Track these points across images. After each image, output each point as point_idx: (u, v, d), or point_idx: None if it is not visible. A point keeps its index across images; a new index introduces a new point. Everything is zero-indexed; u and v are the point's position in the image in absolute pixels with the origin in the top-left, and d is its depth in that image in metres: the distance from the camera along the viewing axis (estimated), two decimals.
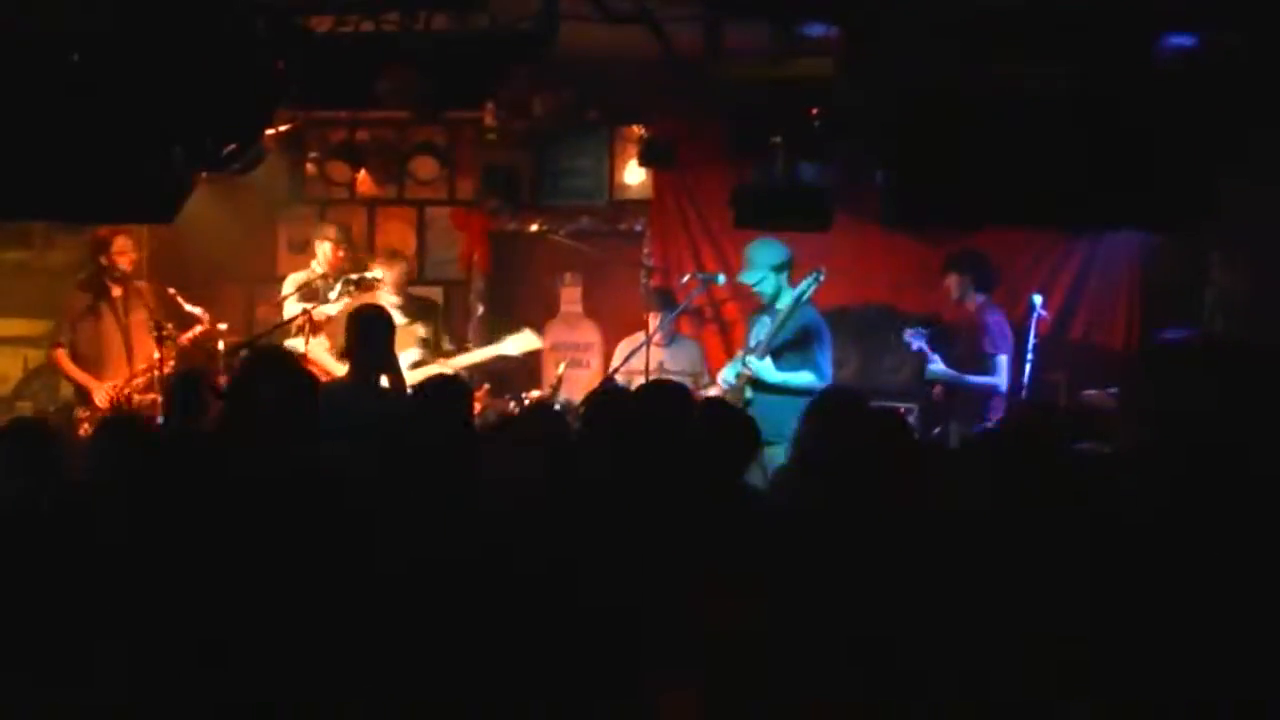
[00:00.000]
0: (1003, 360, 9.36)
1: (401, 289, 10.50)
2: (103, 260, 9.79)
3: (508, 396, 10.21)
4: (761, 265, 9.23)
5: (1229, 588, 4.08)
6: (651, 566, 4.28)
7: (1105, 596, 4.19)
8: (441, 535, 4.55)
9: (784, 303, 9.13)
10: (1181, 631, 4.00)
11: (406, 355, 9.71)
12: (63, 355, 9.83)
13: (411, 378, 9.06)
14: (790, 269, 9.25)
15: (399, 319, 9.60)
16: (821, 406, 6.05)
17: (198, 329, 9.89)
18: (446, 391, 6.44)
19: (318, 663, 4.02)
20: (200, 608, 4.17)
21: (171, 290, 10.07)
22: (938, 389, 9.64)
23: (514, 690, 3.87)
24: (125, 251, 9.82)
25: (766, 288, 9.23)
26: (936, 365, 9.50)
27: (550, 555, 4.30)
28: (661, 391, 6.58)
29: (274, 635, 4.12)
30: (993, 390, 9.37)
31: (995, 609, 4.26)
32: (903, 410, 9.07)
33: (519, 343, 10.22)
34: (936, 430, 9.73)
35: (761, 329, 9.23)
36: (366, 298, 9.94)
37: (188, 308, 9.96)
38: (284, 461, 5.10)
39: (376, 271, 10.44)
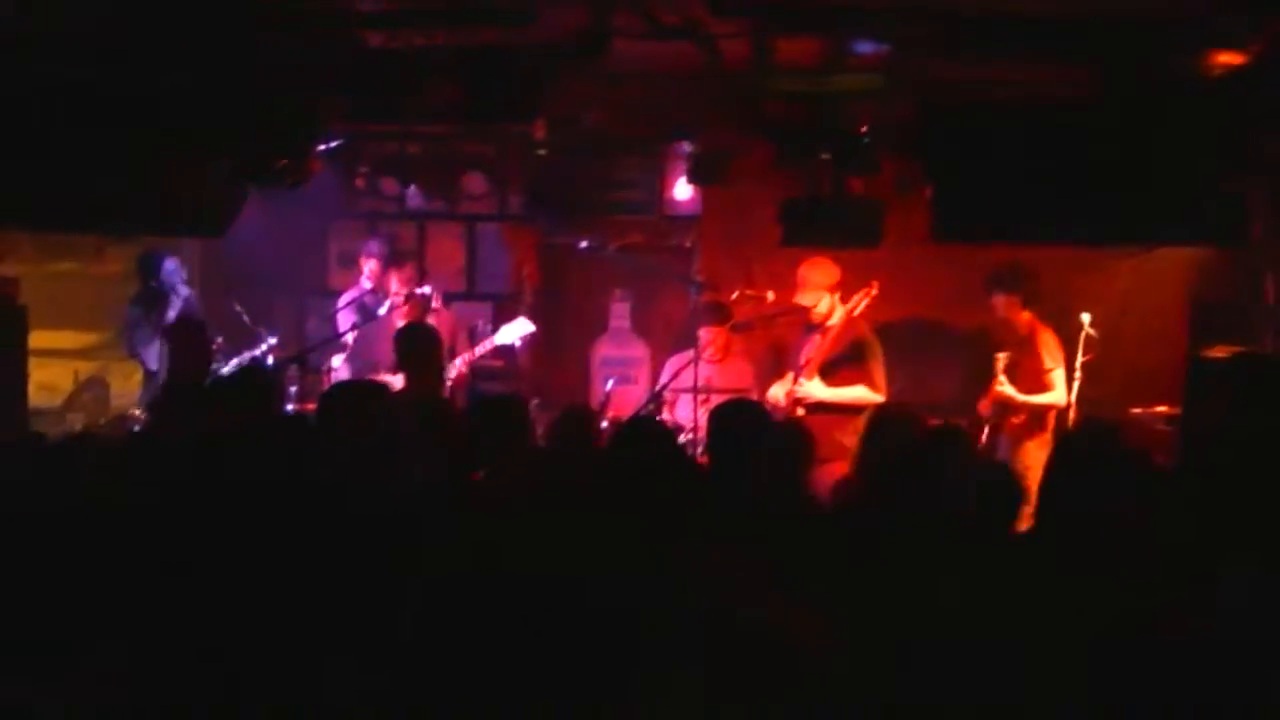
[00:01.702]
0: (1061, 375, 9.27)
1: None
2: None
3: (557, 411, 10.19)
4: (818, 285, 9.18)
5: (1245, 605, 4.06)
6: (671, 570, 4.28)
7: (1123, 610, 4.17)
8: (451, 543, 4.57)
9: (835, 320, 9.10)
10: (1188, 646, 3.97)
11: None
12: None
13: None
14: (844, 286, 9.21)
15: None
16: (879, 422, 6.09)
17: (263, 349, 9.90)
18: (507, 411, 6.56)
19: (321, 666, 4.04)
20: (203, 611, 4.20)
21: (238, 308, 10.12)
22: (984, 405, 9.50)
23: (517, 695, 3.88)
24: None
25: (823, 308, 9.19)
26: (1005, 387, 9.37)
27: (563, 558, 4.32)
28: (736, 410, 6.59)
29: (278, 638, 4.15)
30: (1053, 407, 9.29)
31: (1016, 628, 4.25)
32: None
33: (513, 330, 10.19)
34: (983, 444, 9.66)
35: (812, 348, 9.20)
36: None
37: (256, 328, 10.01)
38: (292, 466, 5.14)
39: (426, 287, 10.49)
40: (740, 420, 6.23)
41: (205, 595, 4.25)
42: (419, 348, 8.21)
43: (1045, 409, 9.29)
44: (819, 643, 3.45)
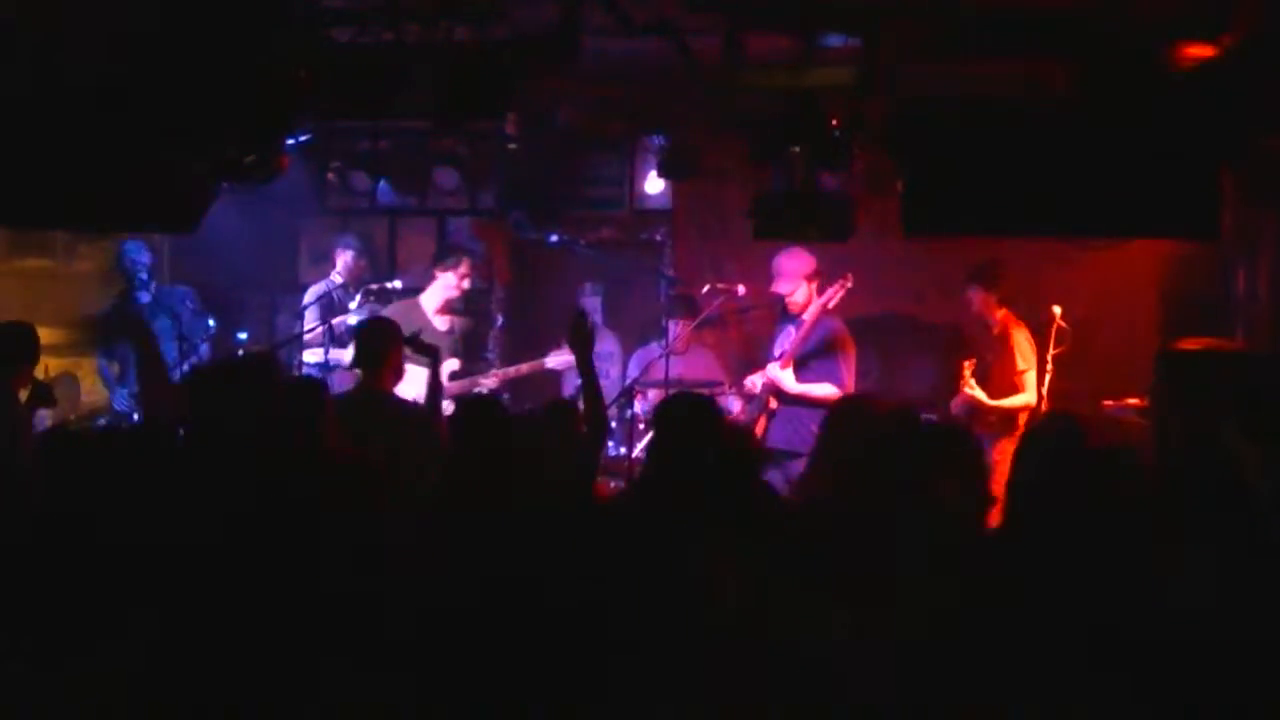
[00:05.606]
0: (1032, 376, 9.28)
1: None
2: None
3: (527, 406, 10.16)
4: (794, 275, 9.19)
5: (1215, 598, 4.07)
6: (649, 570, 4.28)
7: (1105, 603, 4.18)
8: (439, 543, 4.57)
9: (811, 311, 9.10)
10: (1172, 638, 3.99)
11: (446, 365, 9.58)
12: None
13: (448, 388, 9.14)
14: (820, 277, 9.21)
15: (442, 325, 9.64)
16: (836, 415, 6.07)
17: None
18: (484, 414, 6.45)
19: (318, 666, 4.04)
20: (200, 613, 4.18)
21: (189, 302, 10.16)
22: (956, 404, 9.49)
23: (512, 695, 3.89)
24: None
25: (799, 297, 9.20)
26: (974, 390, 9.35)
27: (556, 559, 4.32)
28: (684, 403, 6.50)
29: (274, 638, 4.14)
30: (1025, 408, 9.28)
31: (999, 615, 4.25)
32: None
33: (561, 357, 10.09)
34: None
35: (786, 338, 9.20)
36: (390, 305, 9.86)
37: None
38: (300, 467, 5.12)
39: (396, 282, 10.45)
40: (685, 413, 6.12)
41: (202, 596, 4.24)
42: (371, 343, 8.00)
43: (1016, 411, 9.28)
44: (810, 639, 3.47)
